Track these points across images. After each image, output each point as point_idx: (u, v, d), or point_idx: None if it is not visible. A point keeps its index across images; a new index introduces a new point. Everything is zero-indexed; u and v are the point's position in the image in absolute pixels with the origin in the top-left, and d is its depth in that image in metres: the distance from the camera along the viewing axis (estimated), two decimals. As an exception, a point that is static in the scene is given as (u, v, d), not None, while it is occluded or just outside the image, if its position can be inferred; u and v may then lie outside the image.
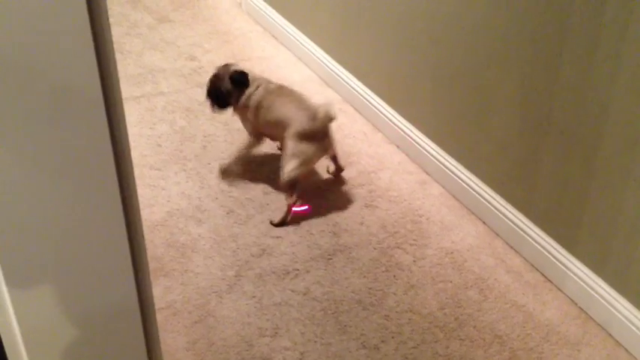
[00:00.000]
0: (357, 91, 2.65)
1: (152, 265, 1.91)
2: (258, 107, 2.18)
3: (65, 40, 0.58)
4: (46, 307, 0.69)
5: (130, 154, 0.71)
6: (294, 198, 2.08)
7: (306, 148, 2.05)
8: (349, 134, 2.55)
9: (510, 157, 1.98)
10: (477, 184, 2.13)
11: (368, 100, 2.59)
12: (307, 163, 2.08)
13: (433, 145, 2.29)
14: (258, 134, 2.26)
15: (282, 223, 2.08)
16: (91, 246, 0.68)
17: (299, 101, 2.17)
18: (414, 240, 2.06)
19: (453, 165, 2.21)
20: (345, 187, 2.26)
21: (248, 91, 2.19)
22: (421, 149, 2.34)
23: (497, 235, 2.08)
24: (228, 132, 2.52)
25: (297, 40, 3.02)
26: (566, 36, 1.67)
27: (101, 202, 0.67)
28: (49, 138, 0.62)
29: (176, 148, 2.42)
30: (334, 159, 2.25)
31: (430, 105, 2.27)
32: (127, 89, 2.75)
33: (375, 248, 2.02)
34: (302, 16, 2.99)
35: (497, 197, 2.06)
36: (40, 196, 0.64)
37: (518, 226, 1.99)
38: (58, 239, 0.67)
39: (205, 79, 2.83)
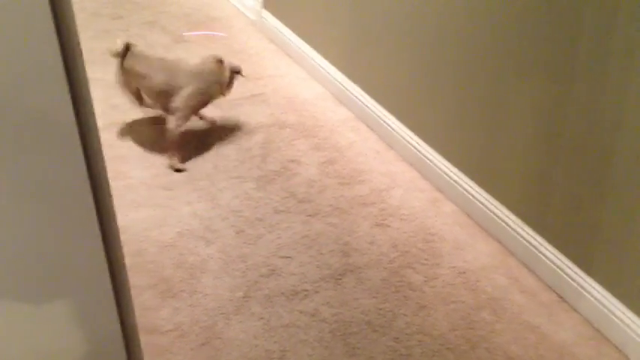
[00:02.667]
0: (369, 109, 2.63)
1: (161, 286, 1.90)
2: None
3: (37, 71, 0.58)
4: (23, 344, 0.68)
5: (107, 185, 0.70)
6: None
7: None
8: (361, 152, 2.53)
9: (524, 175, 1.94)
10: (490, 202, 2.09)
11: (380, 118, 2.57)
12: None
13: (446, 163, 2.26)
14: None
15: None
16: (70, 278, 0.67)
17: None
18: (426, 259, 2.03)
19: (465, 182, 2.18)
20: (356, 206, 2.24)
21: None
22: (433, 167, 2.31)
23: (511, 254, 2.04)
24: (239, 151, 2.51)
25: (310, 57, 3.01)
26: (579, 52, 1.64)
27: (78, 231, 0.66)
28: (23, 166, 0.61)
29: (188, 169, 2.42)
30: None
31: (443, 122, 2.25)
32: (139, 111, 2.77)
33: (385, 268, 1.99)
34: (315, 34, 2.99)
35: (511, 215, 2.02)
36: (16, 224, 0.64)
37: (532, 244, 1.95)
38: (33, 270, 0.65)
39: (221, 99, 2.85)
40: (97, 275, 0.69)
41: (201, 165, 2.44)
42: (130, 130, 2.63)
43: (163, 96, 2.45)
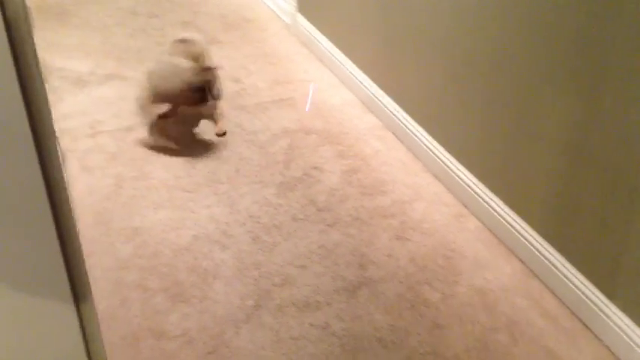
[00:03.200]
0: (397, 118, 2.58)
1: (173, 290, 1.89)
2: None
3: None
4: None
5: (70, 210, 0.67)
6: None
7: None
8: (386, 161, 2.48)
9: (550, 193, 1.87)
10: (514, 220, 2.02)
11: (408, 128, 2.52)
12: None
13: (471, 177, 2.20)
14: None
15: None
16: (30, 299, 0.65)
17: None
18: (445, 276, 1.97)
19: (490, 198, 2.11)
20: (376, 217, 2.19)
21: None
22: (459, 180, 2.25)
23: (534, 274, 1.96)
24: (262, 155, 2.49)
25: (341, 63, 2.98)
26: (610, 68, 1.57)
27: (36, 246, 0.64)
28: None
29: (210, 171, 2.40)
30: None
31: (470, 135, 2.18)
32: (168, 110, 2.77)
33: (401, 283, 1.94)
34: (347, 39, 2.95)
35: (535, 235, 1.94)
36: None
37: (556, 267, 1.87)
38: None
39: (247, 101, 2.84)
40: (56, 284, 0.66)
41: (223, 168, 2.42)
42: (157, 130, 2.63)
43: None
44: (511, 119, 1.96)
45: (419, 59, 2.39)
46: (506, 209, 2.05)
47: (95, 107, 2.78)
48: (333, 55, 3.05)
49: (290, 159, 2.48)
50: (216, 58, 3.19)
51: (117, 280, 1.92)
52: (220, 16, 3.69)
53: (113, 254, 2.02)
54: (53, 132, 0.63)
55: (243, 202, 2.25)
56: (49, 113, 0.62)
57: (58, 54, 3.21)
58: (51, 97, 2.83)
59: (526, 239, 1.97)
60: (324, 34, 3.15)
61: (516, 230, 2.01)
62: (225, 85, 2.96)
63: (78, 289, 0.68)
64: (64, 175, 0.67)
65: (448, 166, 2.30)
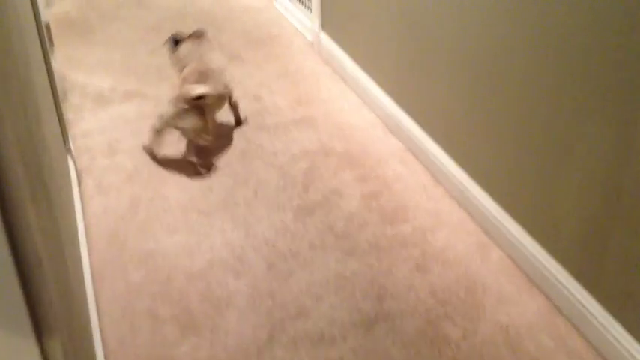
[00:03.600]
0: (420, 141, 2.51)
1: (184, 319, 1.84)
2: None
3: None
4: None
5: (34, 231, 0.61)
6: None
7: None
8: (408, 186, 2.41)
9: (579, 228, 1.78)
10: (540, 254, 1.93)
11: (431, 152, 2.44)
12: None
13: (495, 206, 2.12)
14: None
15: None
16: None
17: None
18: (466, 311, 1.89)
19: (515, 230, 2.03)
20: (396, 245, 2.12)
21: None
22: (483, 209, 2.17)
23: (560, 312, 1.87)
24: (281, 178, 2.43)
25: (364, 83, 2.92)
26: (643, 100, 1.48)
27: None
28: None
29: (227, 193, 2.36)
30: None
31: (496, 163, 2.10)
32: (187, 129, 2.74)
33: (421, 317, 1.86)
34: (370, 59, 2.89)
35: (562, 270, 1.85)
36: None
37: (583, 305, 1.78)
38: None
39: (268, 121, 2.79)
40: (13, 316, 0.60)
41: (241, 190, 2.37)
42: (175, 149, 2.59)
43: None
44: (540, 148, 1.87)
45: (443, 82, 2.32)
46: (532, 242, 1.96)
47: (114, 125, 2.76)
48: (356, 75, 2.99)
49: (309, 182, 2.42)
50: (238, 75, 3.16)
51: (127, 306, 1.88)
52: (244, 33, 3.66)
53: (124, 278, 1.97)
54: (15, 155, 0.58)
55: (259, 227, 2.19)
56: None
57: (80, 70, 3.20)
58: (71, 115, 2.82)
59: (552, 274, 1.88)
60: (348, 53, 3.09)
61: (542, 264, 1.92)
62: (246, 103, 2.92)
63: (42, 322, 0.62)
64: (27, 192, 0.62)
65: (471, 193, 2.22)
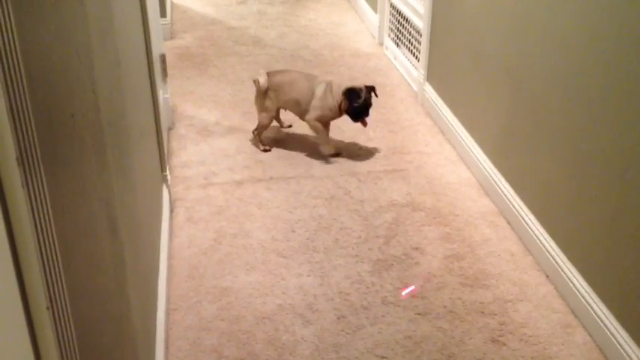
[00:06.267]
0: (512, 205, 2.41)
1: (247, 360, 1.84)
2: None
3: None
4: None
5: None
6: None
7: None
8: (494, 252, 2.31)
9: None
10: (628, 345, 1.78)
11: (523, 218, 2.34)
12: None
13: (585, 285, 1.98)
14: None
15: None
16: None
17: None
18: (539, 394, 1.77)
19: (602, 311, 1.89)
20: (473, 313, 2.03)
21: None
22: (571, 285, 2.04)
23: (645, 412, 1.71)
24: (364, 227, 2.41)
25: (462, 138, 2.85)
26: None
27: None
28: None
29: (308, 237, 2.36)
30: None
31: (589, 236, 1.97)
32: (280, 169, 2.79)
33: (488, 394, 1.76)
34: (470, 114, 2.83)
35: (651, 366, 1.70)
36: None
37: (671, 408, 1.62)
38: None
39: (360, 168, 2.79)
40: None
41: (322, 235, 2.37)
42: (265, 186, 2.65)
43: (298, 104, 2.86)
44: (637, 225, 1.74)
45: (543, 147, 2.22)
46: (619, 328, 1.82)
47: (213, 158, 2.86)
48: (455, 129, 2.94)
49: (392, 235, 2.38)
50: (339, 121, 3.18)
51: (195, 342, 1.91)
52: (350, 79, 3.69)
53: (198, 313, 2.02)
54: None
55: (335, 276, 2.18)
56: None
57: (191, 102, 3.36)
58: (176, 145, 2.95)
59: (640, 368, 1.73)
60: (449, 106, 3.05)
61: (629, 356, 1.77)
62: (340, 148, 2.93)
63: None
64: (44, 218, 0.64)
65: (561, 267, 2.10)
